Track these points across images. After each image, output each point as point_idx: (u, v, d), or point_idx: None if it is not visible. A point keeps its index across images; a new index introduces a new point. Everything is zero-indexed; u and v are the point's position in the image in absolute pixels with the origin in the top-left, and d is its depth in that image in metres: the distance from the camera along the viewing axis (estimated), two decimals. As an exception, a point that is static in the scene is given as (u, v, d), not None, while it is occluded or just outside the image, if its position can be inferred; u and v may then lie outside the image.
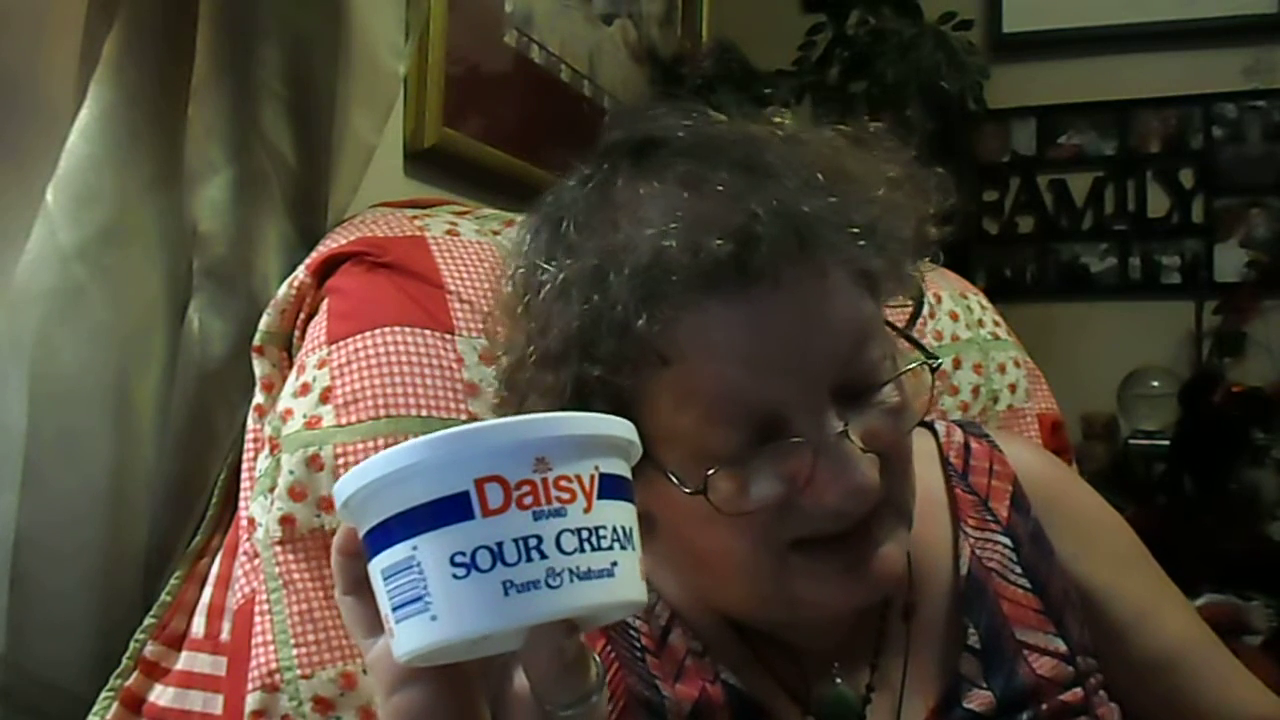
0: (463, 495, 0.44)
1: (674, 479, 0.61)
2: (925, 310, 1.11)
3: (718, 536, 0.63)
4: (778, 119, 0.69)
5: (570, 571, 0.44)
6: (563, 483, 0.45)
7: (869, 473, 0.61)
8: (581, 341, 0.61)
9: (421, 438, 0.45)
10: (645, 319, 0.58)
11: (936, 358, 0.66)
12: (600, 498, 0.46)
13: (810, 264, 0.60)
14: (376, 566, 0.47)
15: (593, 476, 0.46)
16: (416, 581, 0.45)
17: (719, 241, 0.58)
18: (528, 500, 0.44)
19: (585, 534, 0.45)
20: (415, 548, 0.45)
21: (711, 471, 0.60)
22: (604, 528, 0.46)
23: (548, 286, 0.63)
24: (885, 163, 0.67)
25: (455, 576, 0.44)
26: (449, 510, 0.44)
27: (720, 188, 0.60)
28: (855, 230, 0.62)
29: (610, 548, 0.46)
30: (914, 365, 0.65)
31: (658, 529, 0.66)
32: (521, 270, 0.67)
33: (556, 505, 0.45)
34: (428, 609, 0.45)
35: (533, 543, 0.44)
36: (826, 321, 0.61)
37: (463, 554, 0.44)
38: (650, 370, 0.60)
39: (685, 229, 0.59)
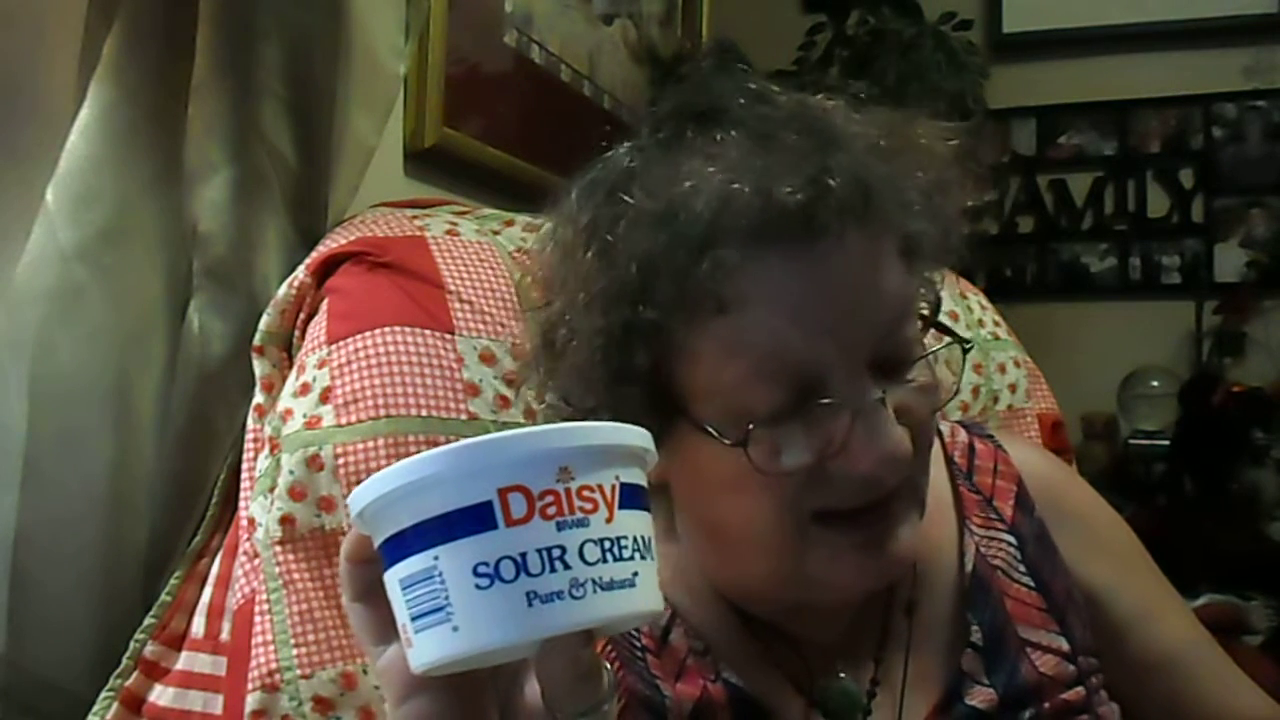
0: (485, 505, 0.44)
1: (714, 432, 0.61)
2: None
3: (741, 503, 0.63)
4: (830, 102, 0.69)
5: (593, 582, 0.44)
6: (585, 493, 0.45)
7: (903, 442, 0.61)
8: (641, 281, 0.61)
9: (440, 448, 0.45)
10: (708, 263, 0.59)
11: (969, 341, 0.67)
12: (621, 508, 0.46)
13: (871, 228, 0.61)
14: (394, 576, 0.46)
15: (614, 486, 0.46)
16: (437, 592, 0.45)
17: (789, 189, 0.58)
18: (551, 510, 0.44)
19: (608, 544, 0.45)
20: (436, 558, 0.44)
21: (752, 426, 0.60)
22: (625, 538, 0.45)
23: (609, 228, 0.63)
24: (938, 142, 0.68)
25: (478, 587, 0.44)
26: (471, 520, 0.44)
27: (792, 145, 0.61)
28: (913, 198, 0.64)
29: (631, 558, 0.45)
30: (947, 344, 0.67)
31: (672, 503, 0.66)
32: (585, 220, 0.65)
33: (580, 515, 0.44)
34: (449, 619, 0.44)
35: (556, 553, 0.44)
36: (878, 288, 0.62)
37: (486, 564, 0.44)
38: (704, 317, 0.60)
39: (756, 175, 0.59)
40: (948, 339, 0.67)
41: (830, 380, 0.61)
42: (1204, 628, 0.80)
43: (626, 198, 0.63)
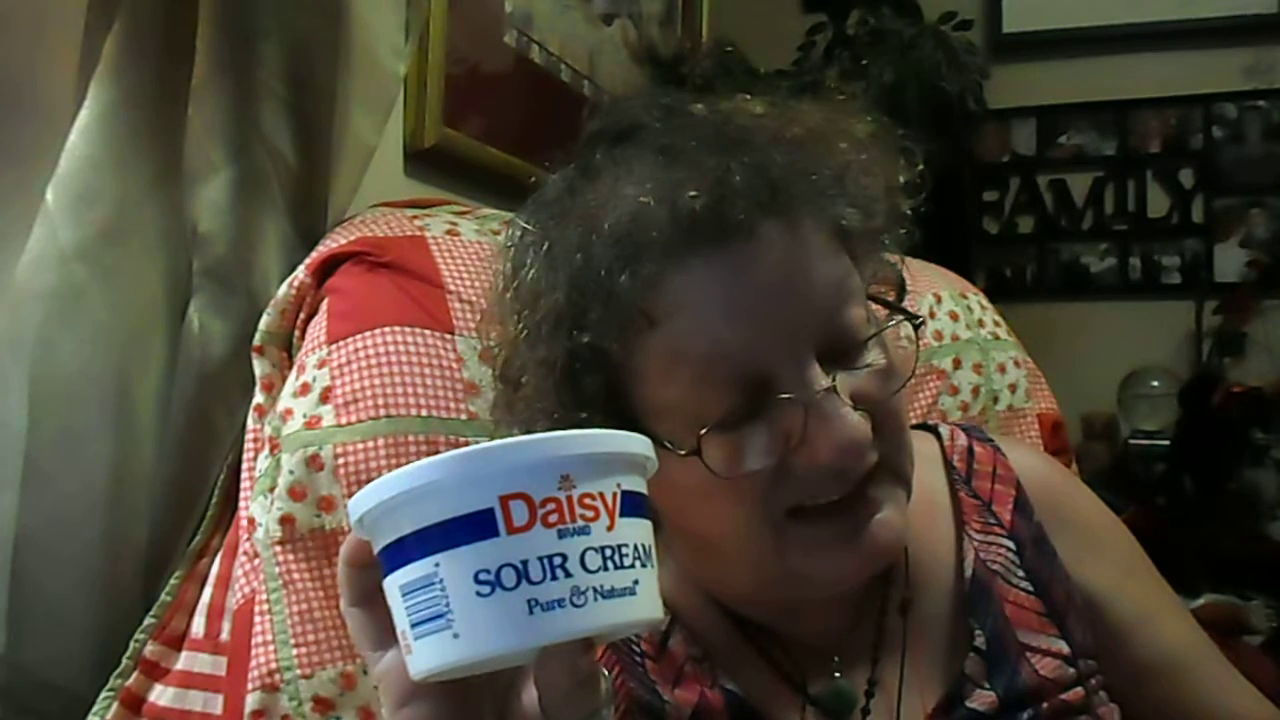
0: (487, 512, 0.44)
1: (668, 445, 0.61)
2: (925, 310, 1.12)
3: (716, 510, 0.63)
4: (746, 100, 0.70)
5: (594, 590, 0.44)
6: (587, 500, 0.45)
7: (860, 426, 0.61)
8: (570, 309, 0.61)
9: (442, 455, 0.45)
10: (628, 276, 0.59)
11: (919, 316, 0.67)
12: (622, 515, 0.46)
13: (785, 216, 0.61)
14: (394, 582, 0.46)
15: (615, 494, 0.46)
16: (438, 599, 0.45)
17: (693, 194, 0.59)
18: (553, 518, 0.44)
19: (609, 552, 0.45)
20: (437, 564, 0.44)
21: (704, 431, 0.60)
22: (626, 545, 0.46)
23: (534, 261, 0.64)
24: (850, 123, 0.69)
25: (479, 594, 0.44)
26: (473, 527, 0.44)
27: (694, 153, 0.62)
28: (824, 181, 0.64)
29: (632, 566, 0.46)
30: (895, 322, 0.66)
31: (659, 522, 0.66)
32: (512, 255, 0.67)
33: (581, 523, 0.45)
34: (449, 626, 0.44)
35: (558, 561, 0.44)
36: (805, 274, 0.62)
37: (487, 571, 0.44)
38: (637, 334, 0.61)
39: (661, 188, 0.60)
40: (898, 316, 0.67)
41: (777, 375, 0.61)
42: (1203, 631, 0.80)
43: (548, 228, 0.64)
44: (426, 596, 0.45)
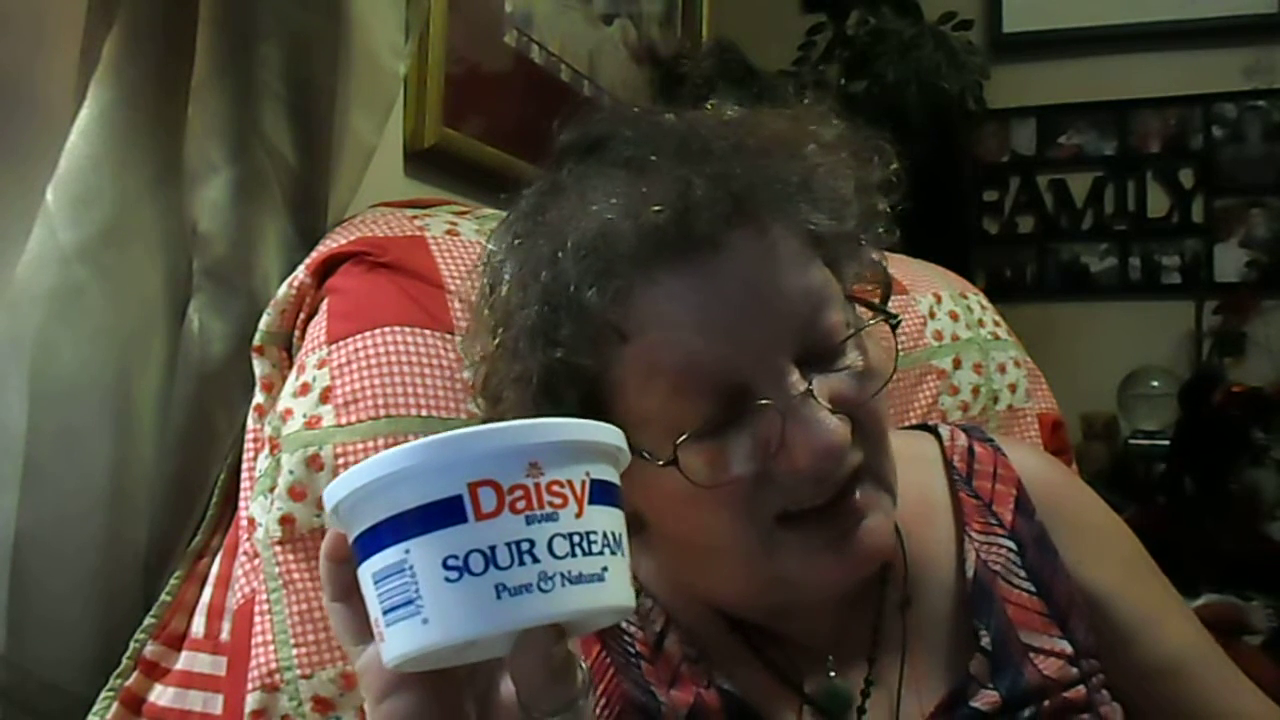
0: (456, 499, 0.44)
1: (646, 456, 0.61)
2: (926, 310, 1.12)
3: (703, 518, 0.63)
4: (713, 104, 0.70)
5: (562, 576, 0.45)
6: (555, 488, 0.45)
7: (839, 430, 0.61)
8: (543, 325, 0.62)
9: (412, 443, 0.46)
10: (596, 292, 0.60)
11: (896, 316, 0.67)
12: (591, 503, 0.46)
13: (750, 226, 0.61)
14: (367, 570, 0.47)
15: (584, 482, 0.46)
16: (408, 585, 0.45)
17: (656, 208, 0.60)
18: (520, 504, 0.45)
19: (577, 539, 0.45)
20: (407, 551, 0.45)
21: (681, 439, 0.60)
22: (595, 533, 0.46)
23: (505, 278, 0.65)
24: (816, 127, 0.68)
25: (447, 580, 0.44)
26: (442, 514, 0.45)
27: (657, 166, 0.62)
28: (789, 188, 0.64)
29: (601, 553, 0.46)
30: (872, 323, 0.66)
31: (648, 528, 0.67)
32: (487, 271, 0.68)
33: (549, 510, 0.45)
34: (419, 612, 0.45)
35: (525, 546, 0.44)
36: (775, 283, 0.61)
37: (455, 557, 0.44)
38: (611, 349, 0.61)
39: (625, 203, 0.61)
40: (877, 316, 0.67)
41: (753, 382, 0.61)
42: (1206, 632, 0.79)
43: (519, 244, 0.65)
44: (398, 583, 0.45)
